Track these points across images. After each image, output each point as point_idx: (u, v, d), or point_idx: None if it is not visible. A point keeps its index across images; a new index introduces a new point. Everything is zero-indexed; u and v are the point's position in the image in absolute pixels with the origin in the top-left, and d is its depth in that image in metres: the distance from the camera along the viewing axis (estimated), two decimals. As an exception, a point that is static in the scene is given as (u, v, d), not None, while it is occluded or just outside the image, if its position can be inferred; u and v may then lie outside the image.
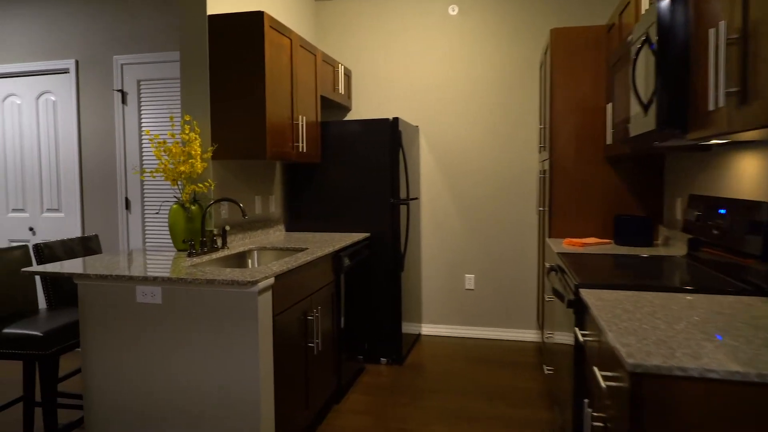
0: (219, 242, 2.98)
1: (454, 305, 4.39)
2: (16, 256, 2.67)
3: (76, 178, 4.07)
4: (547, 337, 3.21)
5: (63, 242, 2.91)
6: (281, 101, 3.06)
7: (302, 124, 3.36)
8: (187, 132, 2.73)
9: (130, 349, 2.23)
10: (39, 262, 2.75)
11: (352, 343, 3.39)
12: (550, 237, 3.23)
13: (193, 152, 2.70)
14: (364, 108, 4.47)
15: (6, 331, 2.35)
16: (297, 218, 3.90)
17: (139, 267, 2.31)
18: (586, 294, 1.74)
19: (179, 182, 2.82)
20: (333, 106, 4.37)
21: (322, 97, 3.86)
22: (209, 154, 2.83)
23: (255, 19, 2.81)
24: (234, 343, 2.11)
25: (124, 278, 2.16)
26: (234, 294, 2.10)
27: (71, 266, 2.33)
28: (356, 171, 3.76)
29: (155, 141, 2.65)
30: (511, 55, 4.16)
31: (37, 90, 4.14)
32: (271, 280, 2.19)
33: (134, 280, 2.16)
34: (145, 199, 3.95)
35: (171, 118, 2.71)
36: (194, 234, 2.75)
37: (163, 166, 2.71)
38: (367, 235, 3.67)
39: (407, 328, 3.90)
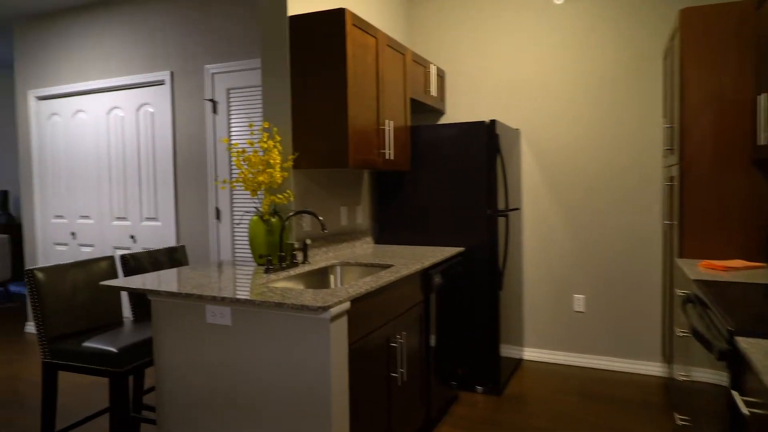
0: (300, 257, 2.80)
1: (560, 329, 3.91)
2: (102, 267, 2.65)
3: (170, 187, 4.13)
4: (679, 377, 2.68)
5: (150, 253, 2.88)
6: (366, 105, 2.83)
7: (389, 130, 3.11)
8: (265, 140, 2.57)
9: (201, 370, 2.08)
10: (125, 274, 2.72)
11: (443, 368, 3.06)
12: (681, 257, 2.70)
13: (271, 161, 2.53)
14: (459, 111, 4.14)
15: (85, 345, 2.31)
16: (386, 230, 3.65)
17: (212, 284, 2.17)
18: (746, 345, 1.30)
19: (259, 192, 2.69)
20: (425, 110, 4.09)
21: (413, 100, 3.58)
22: (289, 164, 2.65)
23: (336, 17, 2.60)
24: (305, 373, 1.88)
25: (194, 297, 2.01)
26: (304, 320, 1.87)
27: (148, 281, 2.24)
28: (449, 179, 3.43)
29: (234, 149, 2.52)
30: (628, 44, 3.63)
31: (137, 102, 4.27)
32: (347, 305, 1.94)
33: (204, 299, 2.00)
34: (234, 209, 3.90)
35: (250, 125, 2.57)
36: (273, 247, 2.58)
37: (243, 175, 2.58)
38: (461, 249, 3.33)
39: (506, 351, 3.50)
